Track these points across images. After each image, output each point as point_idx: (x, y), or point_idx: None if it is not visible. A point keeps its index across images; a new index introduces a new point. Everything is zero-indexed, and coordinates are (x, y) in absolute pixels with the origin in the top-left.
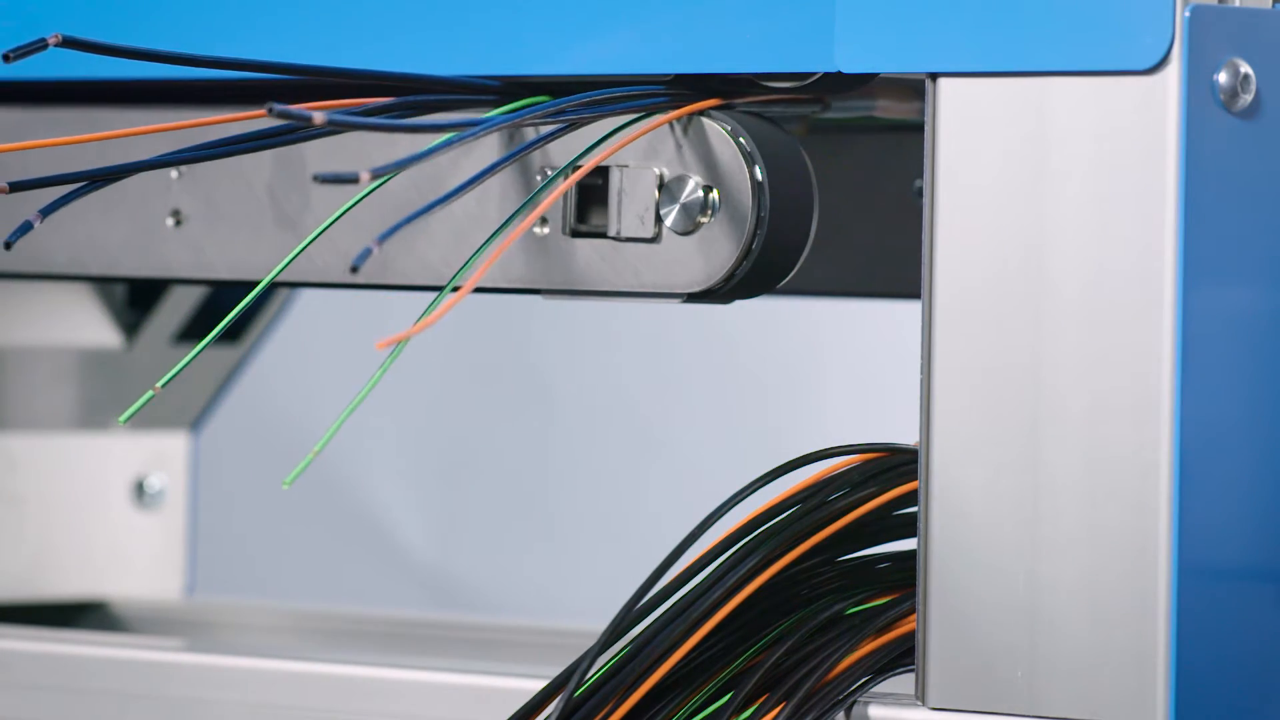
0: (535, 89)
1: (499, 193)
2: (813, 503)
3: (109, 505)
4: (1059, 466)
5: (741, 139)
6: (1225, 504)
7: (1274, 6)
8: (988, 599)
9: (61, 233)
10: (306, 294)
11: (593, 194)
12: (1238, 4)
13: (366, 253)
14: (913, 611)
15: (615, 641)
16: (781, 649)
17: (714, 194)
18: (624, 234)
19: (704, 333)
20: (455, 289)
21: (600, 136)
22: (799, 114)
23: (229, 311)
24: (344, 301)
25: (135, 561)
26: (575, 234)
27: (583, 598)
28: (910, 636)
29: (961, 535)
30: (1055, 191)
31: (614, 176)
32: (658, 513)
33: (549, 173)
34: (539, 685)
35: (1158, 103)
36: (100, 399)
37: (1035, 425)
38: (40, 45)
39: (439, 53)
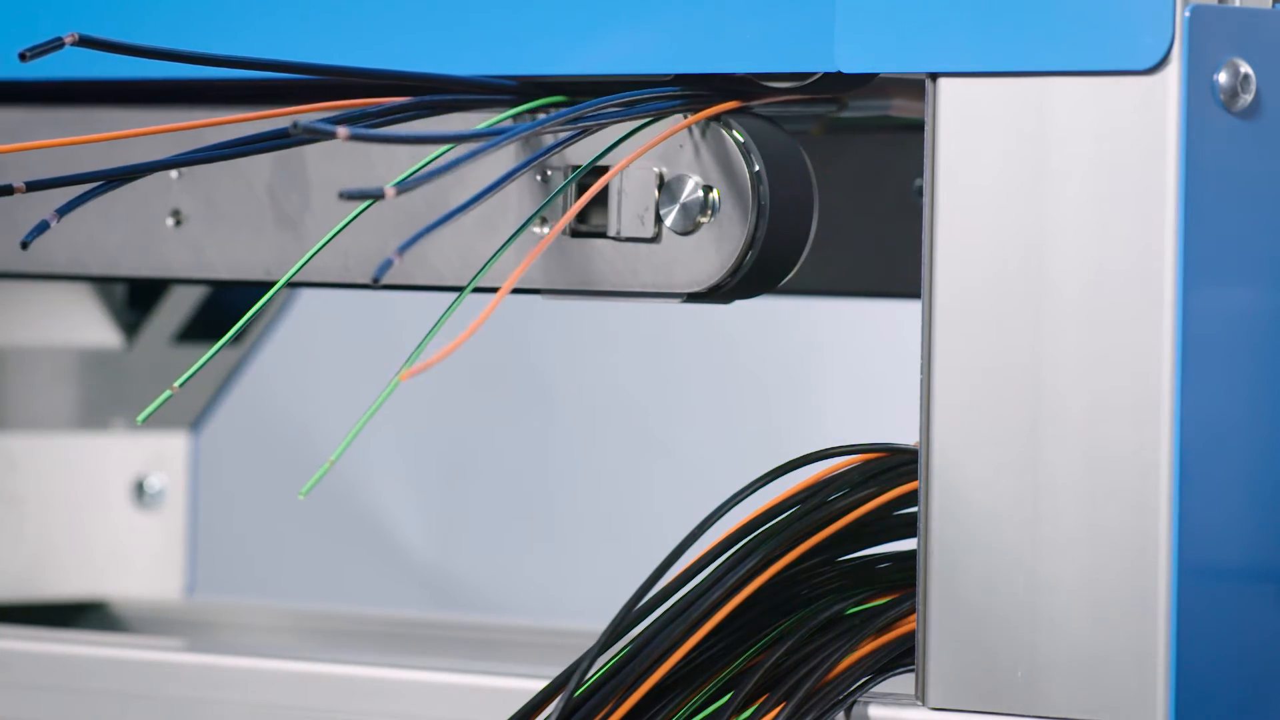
0: (551, 89)
1: (500, 193)
2: (813, 503)
3: (109, 505)
4: (1059, 466)
5: (741, 138)
6: (1225, 504)
7: (1274, 6)
8: (988, 599)
9: (62, 233)
10: (306, 294)
11: (594, 195)
12: (1238, 4)
13: (387, 264)
14: (913, 611)
15: (615, 641)
16: (781, 649)
17: (714, 194)
18: (624, 234)
19: (704, 333)
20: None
21: (619, 137)
22: (815, 114)
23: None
24: (344, 301)
25: (135, 561)
26: (575, 234)
27: (583, 598)
28: (910, 636)
29: (962, 535)
30: (1055, 191)
31: (614, 176)
32: (658, 513)
33: (549, 172)
34: (539, 685)
35: (1158, 103)
36: (100, 399)
37: (1035, 425)
38: (56, 44)
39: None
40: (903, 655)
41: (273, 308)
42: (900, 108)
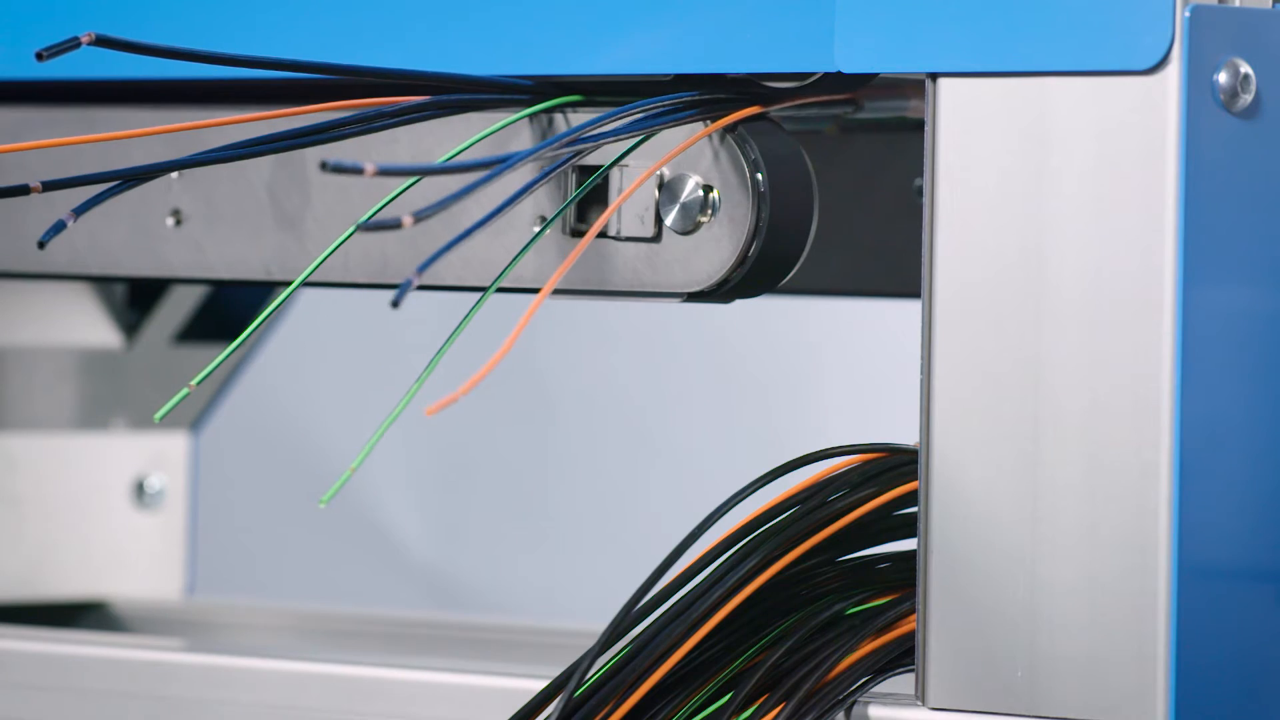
0: (566, 88)
1: (497, 190)
2: (812, 503)
3: (109, 505)
4: (1059, 466)
5: (741, 138)
6: (1225, 504)
7: (1274, 6)
8: (988, 598)
9: (62, 232)
10: (306, 294)
11: (593, 193)
12: (1238, 4)
13: (406, 285)
14: (913, 611)
15: (615, 641)
16: (781, 649)
17: (714, 193)
18: (624, 234)
19: (704, 333)
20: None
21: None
22: (831, 115)
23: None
24: (344, 302)
25: (135, 561)
26: (575, 234)
27: (583, 598)
28: (910, 636)
29: (961, 535)
30: (1055, 191)
31: (614, 176)
32: (658, 513)
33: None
34: (539, 685)
35: (1158, 103)
36: (100, 399)
37: (1035, 425)
38: (73, 44)
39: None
40: (903, 655)
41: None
42: (917, 108)
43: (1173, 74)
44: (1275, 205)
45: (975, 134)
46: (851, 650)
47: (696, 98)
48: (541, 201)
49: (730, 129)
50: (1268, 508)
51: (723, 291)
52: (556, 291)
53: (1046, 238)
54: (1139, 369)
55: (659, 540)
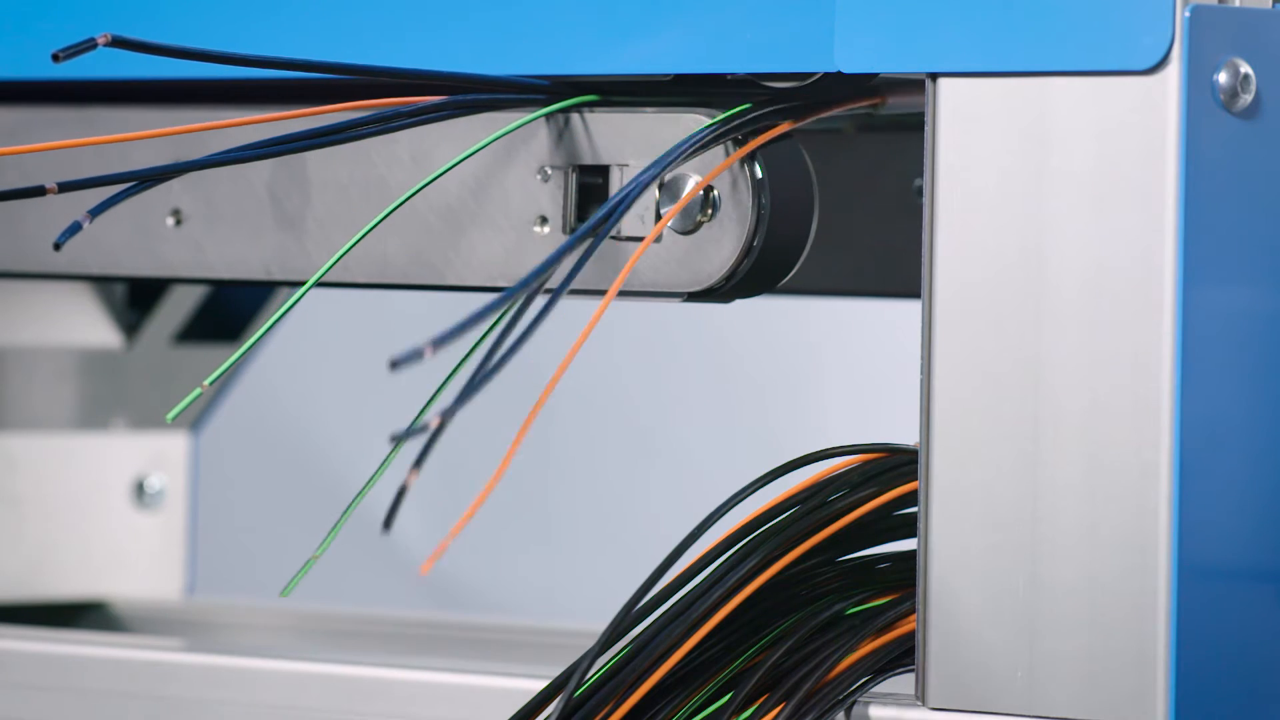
0: (583, 88)
1: (497, 189)
2: (813, 503)
3: (109, 505)
4: (1059, 466)
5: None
6: (1225, 504)
7: (1274, 6)
8: (988, 599)
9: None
10: (307, 294)
11: (593, 193)
12: (1238, 4)
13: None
14: (913, 612)
15: (615, 642)
16: (781, 649)
17: (714, 193)
18: (624, 234)
19: (703, 333)
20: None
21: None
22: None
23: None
24: (344, 301)
25: (135, 561)
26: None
27: (582, 598)
28: (910, 636)
29: (961, 535)
30: (1055, 191)
31: (614, 176)
32: (657, 513)
33: (549, 172)
34: (539, 685)
35: (1158, 103)
36: (100, 399)
37: (1035, 425)
38: (89, 45)
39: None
40: (903, 655)
41: (272, 308)
42: None
43: (1173, 74)
44: (1275, 205)
45: (975, 134)
46: (851, 650)
47: (739, 118)
48: (542, 202)
49: (730, 128)
50: (1268, 508)
51: (723, 291)
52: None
53: (1046, 238)
54: (1139, 369)
55: (659, 540)
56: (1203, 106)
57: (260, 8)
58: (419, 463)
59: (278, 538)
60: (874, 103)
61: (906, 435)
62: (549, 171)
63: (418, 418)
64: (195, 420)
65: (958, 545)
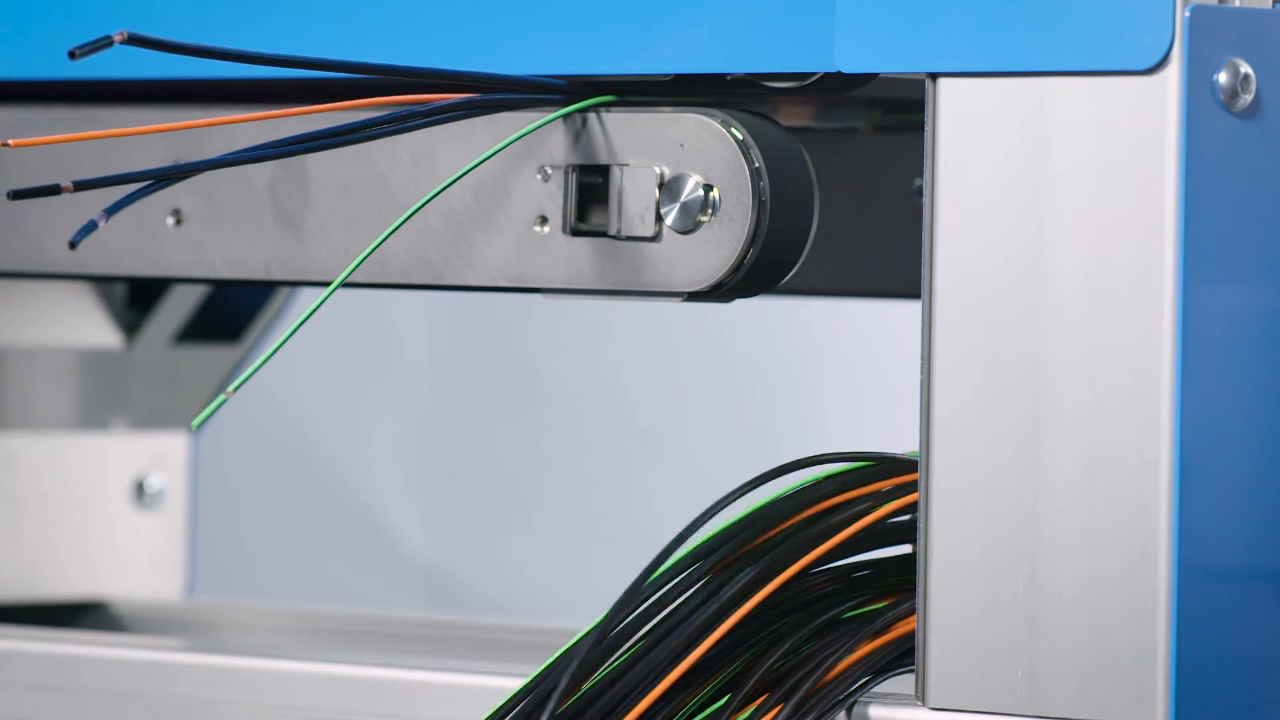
0: (601, 88)
1: (497, 188)
2: (806, 509)
3: (109, 505)
4: (1059, 466)
5: (741, 137)
6: (1225, 504)
7: (1274, 6)
8: (987, 599)
9: (62, 231)
10: (306, 294)
11: (593, 192)
12: (1238, 4)
13: None
14: (911, 613)
15: (601, 648)
16: (780, 650)
17: (714, 193)
18: (624, 233)
19: (703, 332)
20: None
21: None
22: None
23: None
24: (344, 301)
25: (135, 561)
26: (575, 233)
27: (582, 598)
28: (910, 637)
29: (961, 534)
30: (1055, 191)
31: (614, 175)
32: (656, 513)
33: (549, 172)
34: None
35: (1158, 103)
36: (100, 399)
37: (1035, 425)
38: (105, 43)
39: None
40: (902, 655)
41: (272, 308)
42: None
43: (1173, 74)
44: (1275, 205)
45: (975, 134)
46: (851, 651)
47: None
48: (542, 201)
49: (730, 128)
50: (1268, 508)
51: (722, 291)
52: (557, 291)
53: (1046, 237)
54: (1139, 368)
55: (658, 540)
56: (1203, 106)
57: (269, 6)
58: None
59: (278, 538)
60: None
61: (906, 435)
62: (549, 171)
63: None
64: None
65: (958, 545)
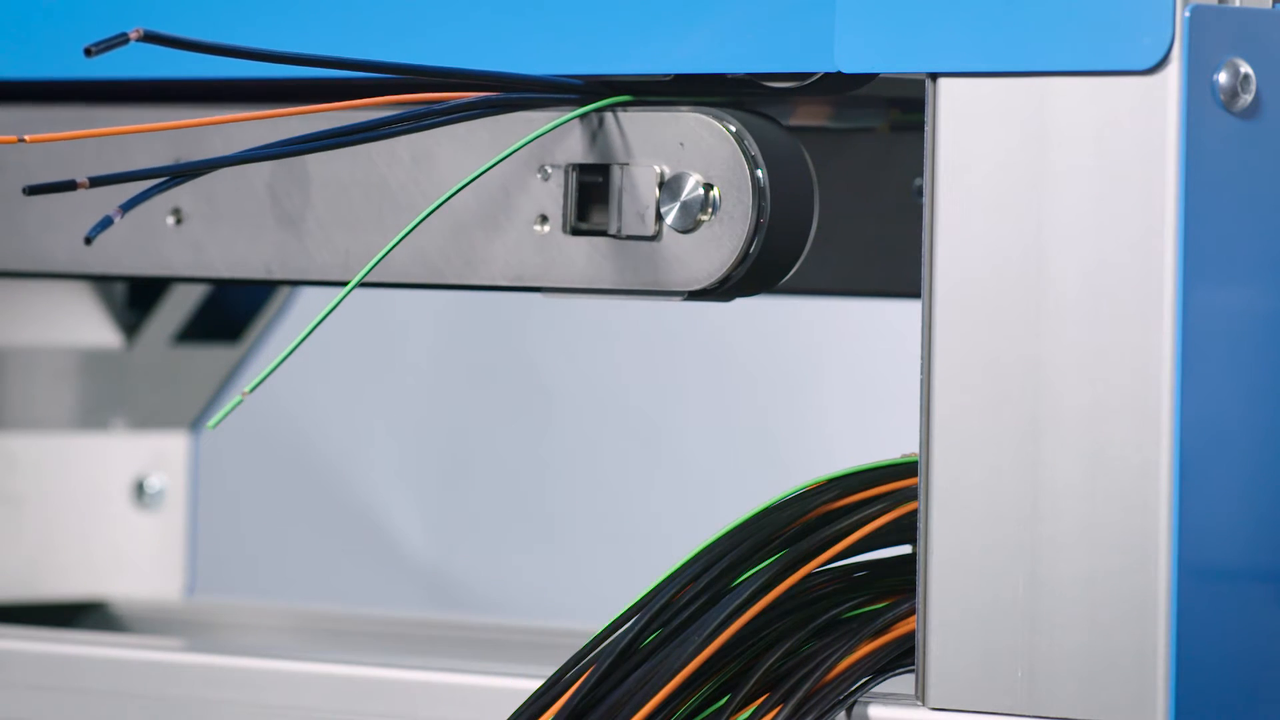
0: (618, 88)
1: (497, 188)
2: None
3: (109, 505)
4: (1059, 466)
5: (741, 136)
6: (1225, 504)
7: (1274, 6)
8: (987, 599)
9: (62, 231)
10: (306, 294)
11: (593, 192)
12: (1238, 4)
13: None
14: (911, 613)
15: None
16: (780, 650)
17: (714, 192)
18: (624, 232)
19: (703, 332)
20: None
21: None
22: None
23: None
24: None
25: (135, 561)
26: (575, 232)
27: (582, 598)
28: (910, 637)
29: (961, 534)
30: (1055, 191)
31: (614, 174)
32: (658, 513)
33: (549, 171)
34: (538, 685)
35: (1158, 103)
36: (100, 399)
37: (1035, 425)
38: (121, 40)
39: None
40: (902, 655)
41: (272, 308)
42: None
43: (1173, 74)
44: (1275, 205)
45: (975, 134)
46: (851, 651)
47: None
48: (542, 200)
49: (731, 127)
50: (1268, 508)
51: (723, 290)
52: (557, 290)
53: (1046, 237)
54: (1139, 368)
55: (658, 540)
56: (1203, 106)
57: (275, 5)
58: None
59: (278, 538)
60: None
61: (906, 435)
62: (549, 170)
63: None
64: (195, 420)
65: (958, 545)
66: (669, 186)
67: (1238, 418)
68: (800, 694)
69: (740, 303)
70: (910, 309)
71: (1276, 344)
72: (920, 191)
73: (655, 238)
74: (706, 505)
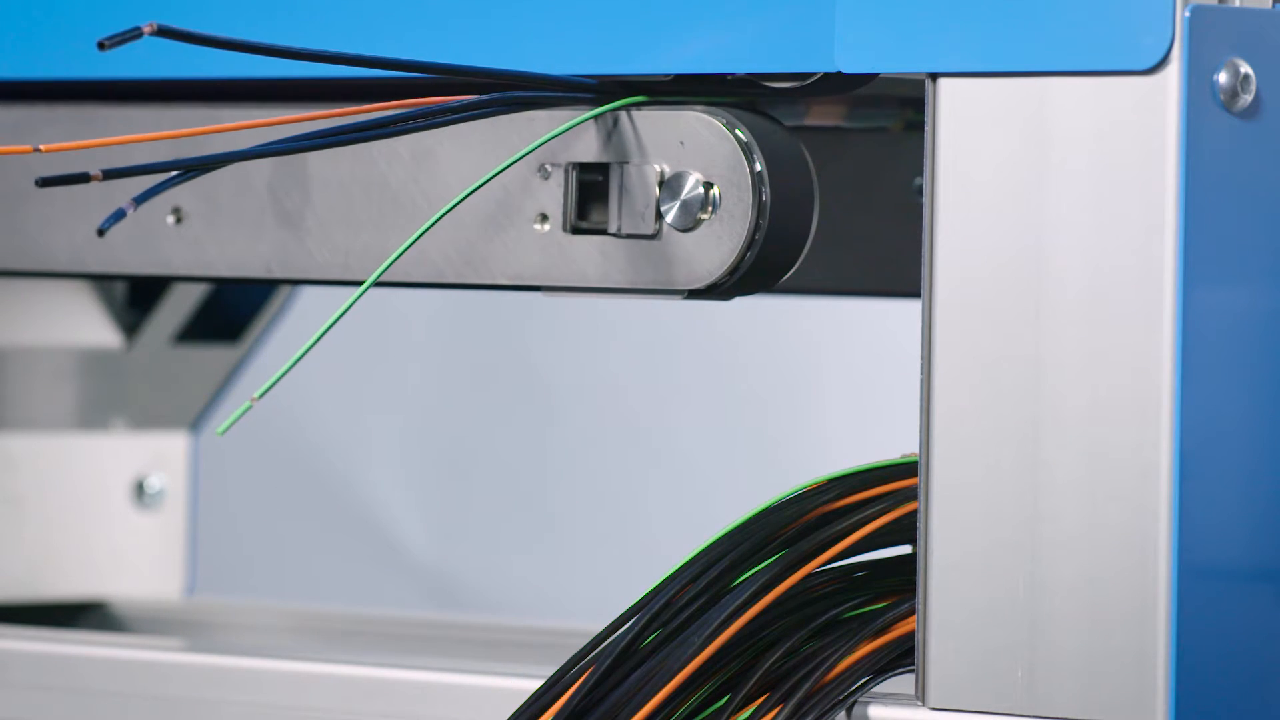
0: (633, 88)
1: (498, 187)
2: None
3: (109, 505)
4: (1059, 466)
5: (741, 135)
6: (1225, 504)
7: (1274, 6)
8: (987, 599)
9: (62, 229)
10: (306, 293)
11: (593, 190)
12: (1238, 4)
13: None
14: (911, 613)
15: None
16: (781, 649)
17: (715, 190)
18: (624, 231)
19: (704, 332)
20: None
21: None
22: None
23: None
24: (343, 301)
25: (135, 561)
26: (576, 231)
27: (582, 598)
28: (910, 637)
29: (961, 534)
30: (1055, 192)
31: (614, 173)
32: (656, 513)
33: (549, 170)
34: (538, 685)
35: (1158, 103)
36: (100, 399)
37: (1035, 425)
38: (135, 34)
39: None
40: (902, 655)
41: (272, 308)
42: None
43: (1173, 74)
44: (1275, 205)
45: (975, 134)
46: (851, 651)
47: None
48: (542, 199)
49: (731, 127)
50: (1268, 508)
51: (723, 289)
52: (557, 289)
53: (1046, 237)
54: (1139, 368)
55: (658, 540)
56: (1203, 106)
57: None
58: None
59: (278, 538)
60: None
61: (906, 435)
62: (549, 169)
63: None
64: (195, 420)
65: (958, 545)
66: (669, 185)
67: (1238, 418)
68: (800, 694)
69: (740, 302)
70: (910, 309)
71: (1276, 344)
72: (920, 191)
73: (655, 236)
74: (706, 505)
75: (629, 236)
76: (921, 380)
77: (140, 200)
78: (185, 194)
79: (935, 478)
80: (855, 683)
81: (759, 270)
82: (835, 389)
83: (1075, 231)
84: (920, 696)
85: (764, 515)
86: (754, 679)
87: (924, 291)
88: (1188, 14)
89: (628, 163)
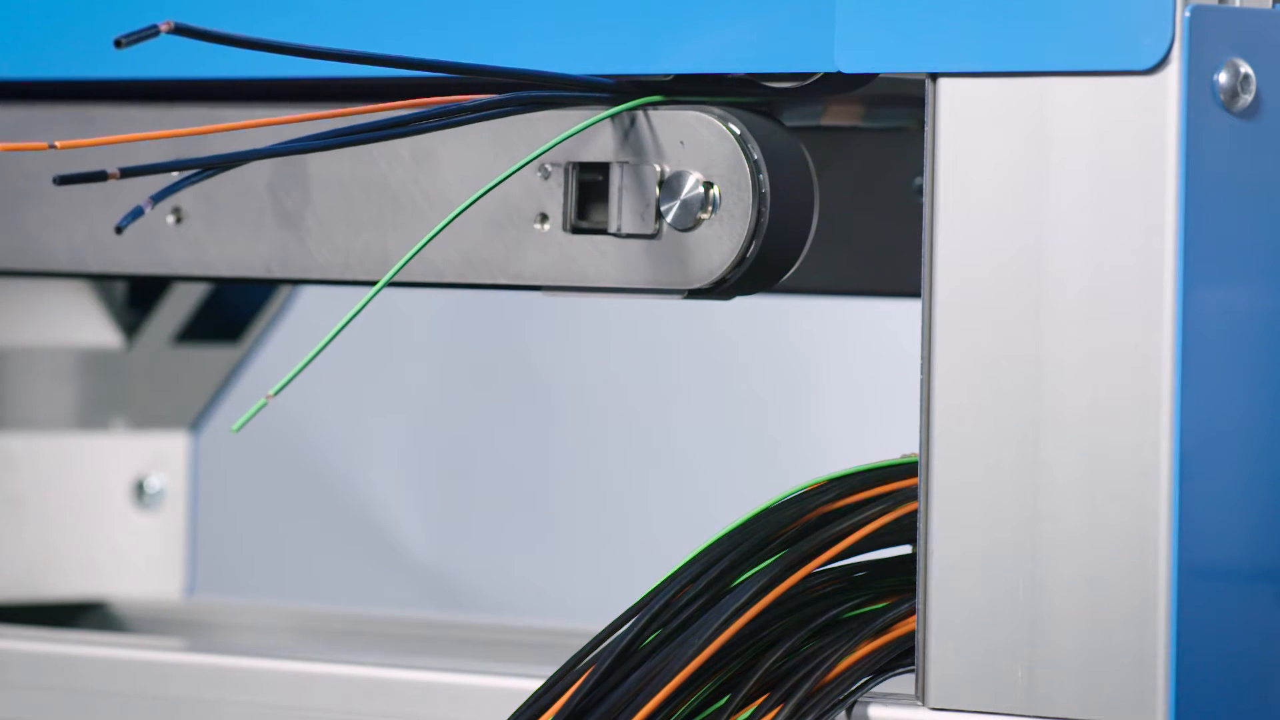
0: (649, 88)
1: (499, 187)
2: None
3: (109, 505)
4: (1059, 466)
5: (742, 135)
6: (1225, 504)
7: (1274, 6)
8: (987, 599)
9: (62, 229)
10: (306, 293)
11: (593, 190)
12: (1238, 4)
13: None
14: (911, 613)
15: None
16: (781, 649)
17: (715, 190)
18: (624, 230)
19: (704, 332)
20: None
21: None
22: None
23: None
24: (344, 301)
25: (135, 561)
26: (575, 230)
27: (582, 598)
28: (910, 637)
29: (961, 534)
30: (1055, 191)
31: (614, 173)
32: (657, 513)
33: (549, 169)
34: (538, 685)
35: (1158, 103)
36: (100, 399)
37: (1035, 425)
38: (151, 32)
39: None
40: (902, 655)
41: (272, 307)
42: None
43: (1173, 74)
44: (1275, 205)
45: (975, 134)
46: (851, 651)
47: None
48: (542, 199)
49: (731, 126)
50: (1268, 508)
51: (723, 289)
52: (557, 289)
53: (1046, 237)
54: (1139, 368)
55: (659, 540)
56: (1203, 106)
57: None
58: None
59: (278, 538)
60: None
61: (906, 435)
62: (549, 169)
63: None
64: (195, 420)
65: (958, 545)
66: (669, 185)
67: (1238, 418)
68: (800, 694)
69: (740, 302)
70: (910, 309)
71: (1276, 344)
72: (920, 191)
73: (655, 236)
74: (706, 505)
75: (629, 236)
76: (921, 380)
77: (158, 198)
78: (185, 194)
79: (935, 478)
80: (855, 683)
81: (759, 270)
82: (835, 389)
83: (1075, 231)
84: (920, 696)
85: (764, 515)
86: (754, 679)
87: (924, 291)
88: (1188, 14)
89: (628, 162)
